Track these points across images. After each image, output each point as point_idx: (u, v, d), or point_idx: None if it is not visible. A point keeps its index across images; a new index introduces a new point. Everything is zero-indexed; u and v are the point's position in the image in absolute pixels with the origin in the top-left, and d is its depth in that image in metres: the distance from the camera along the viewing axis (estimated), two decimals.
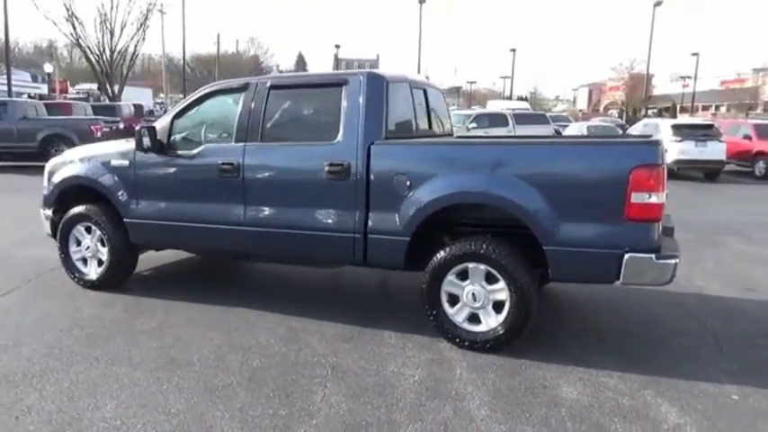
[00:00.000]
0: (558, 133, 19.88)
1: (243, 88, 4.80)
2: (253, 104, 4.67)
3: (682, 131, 16.39)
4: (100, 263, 5.37)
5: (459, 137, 6.22)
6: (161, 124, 4.98)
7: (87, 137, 14.84)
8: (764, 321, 4.81)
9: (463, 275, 4.10)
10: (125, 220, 5.15)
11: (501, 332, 3.98)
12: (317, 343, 4.23)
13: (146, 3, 31.79)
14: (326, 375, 3.72)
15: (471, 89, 79.61)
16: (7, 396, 3.41)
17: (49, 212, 5.58)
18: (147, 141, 4.86)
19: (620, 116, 46.97)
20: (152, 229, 5.07)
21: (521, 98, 57.91)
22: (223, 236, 4.78)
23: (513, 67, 48.63)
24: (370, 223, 4.29)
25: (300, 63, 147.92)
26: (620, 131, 22.12)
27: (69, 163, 5.50)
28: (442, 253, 4.12)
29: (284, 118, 4.70)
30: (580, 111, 70.33)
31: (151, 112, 22.54)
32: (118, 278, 5.37)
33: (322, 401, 3.38)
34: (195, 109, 5.04)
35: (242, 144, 4.65)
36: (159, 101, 50.31)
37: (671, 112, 48.68)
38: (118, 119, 17.64)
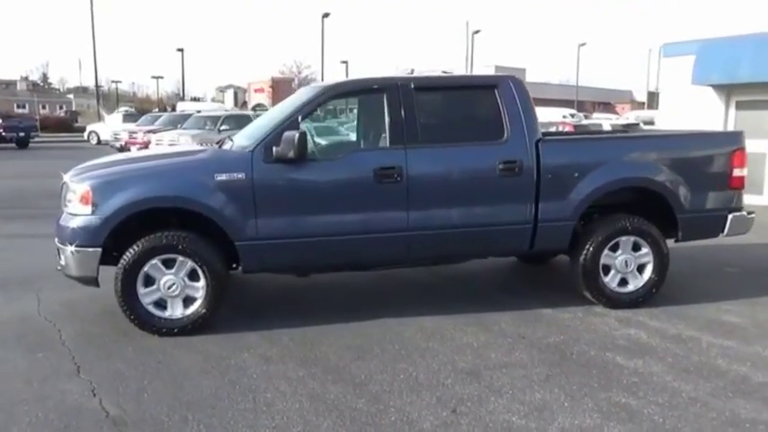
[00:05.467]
0: None
1: (382, 89, 4.59)
2: (403, 106, 4.53)
3: None
4: (186, 301, 4.38)
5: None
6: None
7: None
8: (705, 257, 6.67)
9: (614, 248, 4.90)
10: (237, 243, 4.35)
11: (650, 287, 4.94)
12: (505, 325, 4.52)
13: None
14: (567, 349, 4.15)
15: (117, 88, 74.47)
16: None
17: (95, 249, 4.22)
18: (290, 150, 4.21)
19: None
20: (282, 249, 4.42)
21: (194, 99, 58.04)
22: (382, 244, 4.54)
23: (183, 67, 47.55)
24: (540, 213, 4.72)
25: None
26: None
27: (134, 180, 4.29)
28: (600, 231, 4.84)
29: (437, 119, 4.72)
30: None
31: None
32: (216, 313, 4.46)
33: (615, 366, 3.87)
34: (319, 112, 4.57)
35: (401, 147, 4.49)
36: None
37: None
38: None
